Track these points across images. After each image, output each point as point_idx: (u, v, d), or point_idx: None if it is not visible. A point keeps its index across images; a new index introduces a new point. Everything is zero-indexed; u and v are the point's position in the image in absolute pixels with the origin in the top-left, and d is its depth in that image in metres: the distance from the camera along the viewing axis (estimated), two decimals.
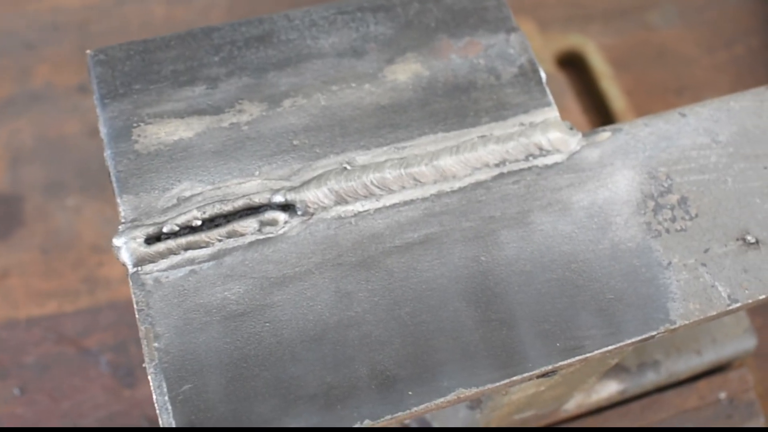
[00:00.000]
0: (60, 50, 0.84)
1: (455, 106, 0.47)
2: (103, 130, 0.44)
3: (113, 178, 0.43)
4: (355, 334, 0.41)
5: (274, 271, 0.42)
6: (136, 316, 0.40)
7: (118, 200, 0.42)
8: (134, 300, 0.41)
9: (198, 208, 0.42)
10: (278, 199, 0.43)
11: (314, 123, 0.45)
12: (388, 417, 0.40)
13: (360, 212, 0.44)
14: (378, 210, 0.44)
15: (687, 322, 0.43)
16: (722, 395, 0.59)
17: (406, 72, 0.47)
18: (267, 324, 0.41)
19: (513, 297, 0.42)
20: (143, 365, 0.40)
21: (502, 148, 0.45)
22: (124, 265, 0.42)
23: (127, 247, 0.41)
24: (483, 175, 0.45)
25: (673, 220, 0.45)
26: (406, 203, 0.44)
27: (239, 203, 0.43)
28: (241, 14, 0.86)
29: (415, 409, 0.40)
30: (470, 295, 0.42)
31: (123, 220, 0.42)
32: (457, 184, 0.45)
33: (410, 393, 0.40)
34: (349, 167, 0.44)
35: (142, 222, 0.42)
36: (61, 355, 0.71)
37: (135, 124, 0.44)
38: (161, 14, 0.86)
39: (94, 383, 0.71)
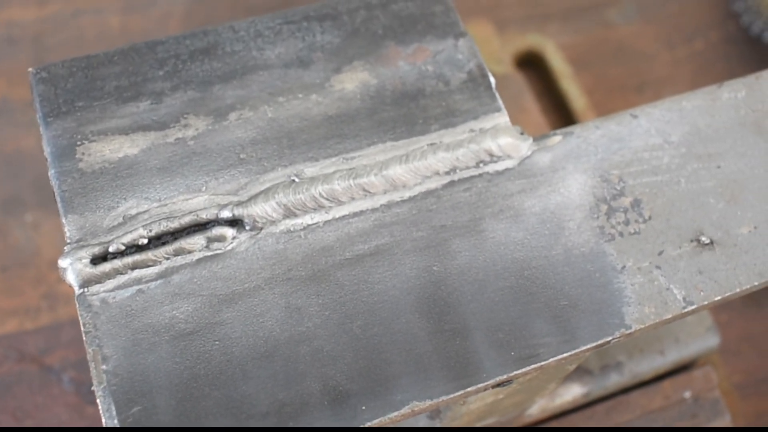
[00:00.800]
0: (15, 64, 0.82)
1: (404, 114, 0.46)
2: (46, 149, 0.43)
3: (57, 198, 0.42)
4: (306, 349, 0.40)
5: (222, 288, 0.41)
6: (83, 338, 0.39)
7: (63, 220, 0.41)
8: (81, 322, 0.40)
9: (144, 227, 0.41)
10: (225, 214, 0.42)
11: (261, 135, 0.44)
12: None
13: (309, 225, 0.43)
14: (327, 222, 0.43)
15: (643, 326, 0.43)
16: (687, 394, 0.59)
17: (353, 81, 0.46)
18: (217, 342, 0.40)
19: (466, 307, 0.42)
20: (92, 388, 0.39)
21: (452, 156, 0.45)
22: (70, 286, 0.40)
23: (72, 268, 0.40)
24: (433, 184, 0.44)
25: (627, 223, 0.45)
26: (355, 214, 0.43)
27: (186, 220, 0.42)
28: (197, 23, 0.85)
29: (369, 423, 0.39)
30: (423, 306, 0.42)
31: (68, 241, 0.41)
32: (407, 194, 0.44)
33: (363, 408, 0.39)
34: (297, 179, 0.43)
35: (87, 242, 0.41)
36: (23, 374, 0.70)
37: (79, 142, 0.43)
38: (117, 24, 0.85)
39: (57, 401, 0.70)
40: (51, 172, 0.42)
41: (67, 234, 0.41)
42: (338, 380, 0.40)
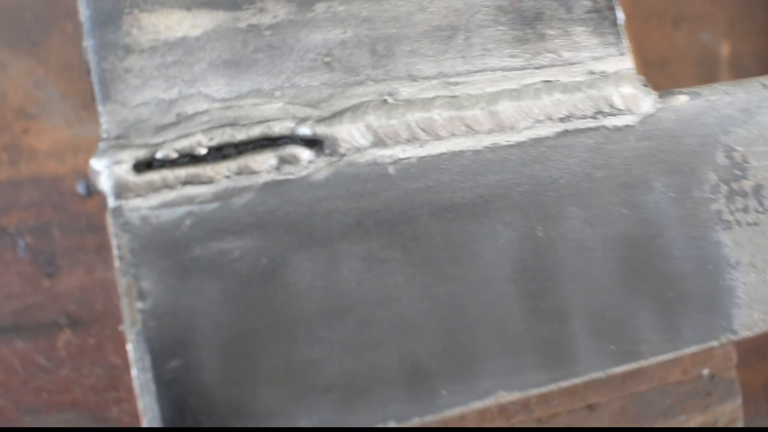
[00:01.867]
0: None
1: (518, 39, 0.37)
2: (83, 12, 0.33)
3: (95, 78, 0.32)
4: (384, 313, 0.33)
5: (292, 224, 0.33)
6: (116, 263, 0.31)
7: (100, 108, 0.32)
8: (114, 243, 0.31)
9: (204, 132, 0.32)
10: (304, 131, 0.33)
11: (353, 38, 0.35)
12: (416, 420, 0.32)
13: (399, 159, 0.35)
14: (421, 159, 0.35)
15: (749, 333, 0.37)
16: (705, 372, 0.55)
17: None
18: (280, 291, 0.32)
19: (568, 284, 0.35)
20: (120, 327, 0.31)
21: (569, 100, 0.37)
22: (102, 193, 0.32)
23: (110, 172, 0.31)
24: (545, 130, 0.36)
25: (746, 210, 0.38)
26: (454, 155, 0.35)
27: (255, 131, 0.33)
28: None
29: (448, 411, 0.33)
30: (520, 277, 0.35)
31: (105, 136, 0.32)
32: (514, 138, 0.36)
33: (444, 392, 0.33)
34: (391, 100, 0.35)
35: (130, 141, 0.32)
36: None
37: (128, 10, 0.33)
38: None
39: (10, 269, 0.60)
40: (88, 43, 0.33)
41: (104, 127, 0.32)
42: (418, 355, 0.33)
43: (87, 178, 0.62)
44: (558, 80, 0.37)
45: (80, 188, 0.62)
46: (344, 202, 0.33)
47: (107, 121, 0.32)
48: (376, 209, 0.34)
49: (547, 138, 0.36)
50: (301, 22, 0.35)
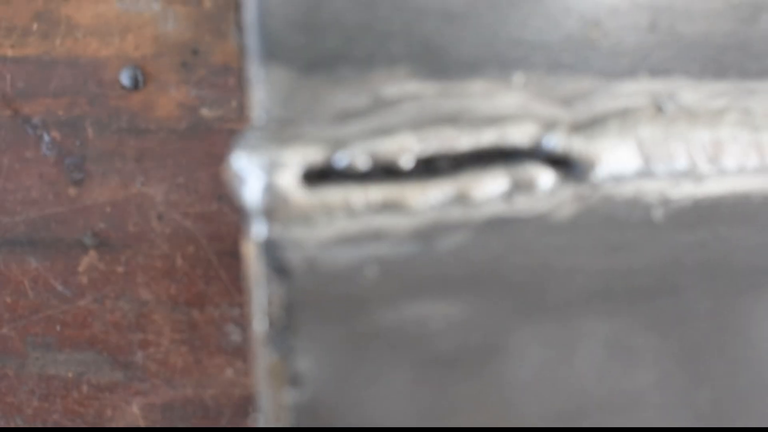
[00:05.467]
0: None
1: None
2: None
3: (252, 23, 0.20)
4: (627, 423, 0.22)
5: (517, 286, 0.21)
6: (257, 325, 0.19)
7: (256, 72, 0.20)
8: (259, 294, 0.19)
9: (414, 130, 0.20)
10: (556, 142, 0.21)
11: (628, 4, 0.23)
12: None
13: (669, 200, 0.23)
14: (697, 202, 0.23)
15: None
16: None
17: None
18: (493, 386, 0.21)
19: None
20: (252, 418, 0.20)
21: None
22: (246, 210, 0.20)
23: (265, 178, 0.19)
24: None
25: None
26: (738, 198, 0.23)
27: (487, 137, 0.21)
28: None
29: None
30: None
31: (260, 117, 0.20)
32: None
33: None
34: (670, 107, 0.23)
35: (301, 131, 0.20)
36: None
37: None
38: None
39: (30, 168, 0.48)
40: None
41: (260, 101, 0.20)
42: None
43: (135, 67, 0.49)
44: None
45: (125, 79, 0.49)
46: (592, 257, 0.22)
47: (266, 94, 0.19)
48: (632, 271, 0.22)
49: None
50: None
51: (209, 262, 0.45)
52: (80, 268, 0.50)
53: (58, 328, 0.50)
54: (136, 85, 0.49)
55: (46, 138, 0.48)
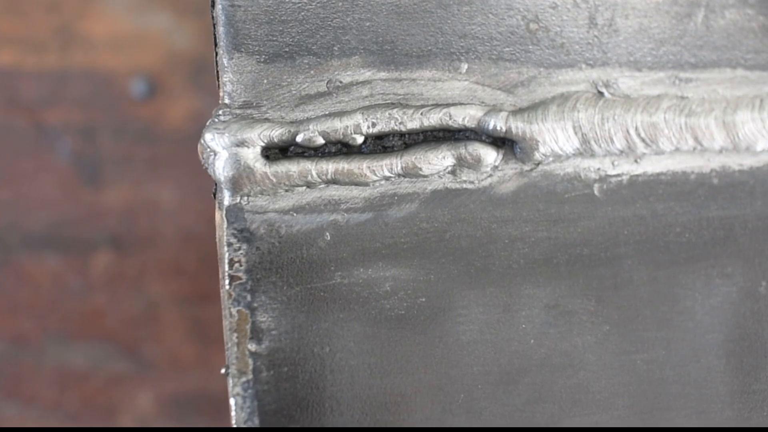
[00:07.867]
0: None
1: (766, 29, 0.27)
2: None
3: (219, 17, 0.22)
4: (565, 383, 0.24)
5: (462, 253, 0.23)
6: (224, 284, 0.22)
7: (224, 60, 0.22)
8: (224, 255, 0.21)
9: (364, 112, 0.22)
10: (495, 124, 0.23)
11: (568, 1, 0.25)
12: None
13: (608, 176, 0.25)
14: (634, 179, 0.25)
15: None
16: None
17: None
18: (438, 345, 0.23)
19: None
20: (221, 371, 0.22)
21: None
22: (216, 182, 0.22)
23: (231, 155, 0.21)
24: None
25: None
26: (675, 176, 0.25)
27: (433, 118, 0.23)
28: None
29: None
30: (733, 348, 0.25)
31: (227, 101, 0.22)
32: (749, 161, 0.26)
33: None
34: (607, 94, 0.25)
35: (263, 113, 0.22)
36: (9, 127, 0.50)
37: None
38: None
39: (48, 173, 0.51)
40: None
41: (227, 87, 0.22)
42: None
43: (148, 78, 0.52)
44: None
45: (138, 89, 0.52)
46: (533, 228, 0.24)
47: (233, 80, 0.22)
48: (572, 242, 0.24)
49: None
50: None
51: (216, 262, 0.47)
52: (95, 266, 0.52)
53: (73, 322, 0.52)
54: (148, 96, 0.52)
55: (64, 145, 0.51)
